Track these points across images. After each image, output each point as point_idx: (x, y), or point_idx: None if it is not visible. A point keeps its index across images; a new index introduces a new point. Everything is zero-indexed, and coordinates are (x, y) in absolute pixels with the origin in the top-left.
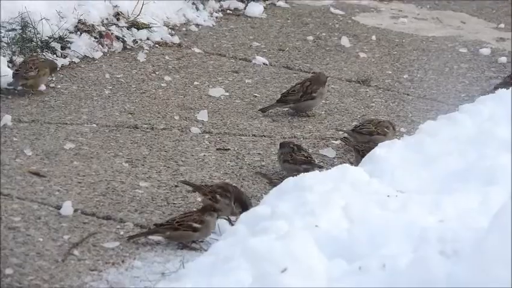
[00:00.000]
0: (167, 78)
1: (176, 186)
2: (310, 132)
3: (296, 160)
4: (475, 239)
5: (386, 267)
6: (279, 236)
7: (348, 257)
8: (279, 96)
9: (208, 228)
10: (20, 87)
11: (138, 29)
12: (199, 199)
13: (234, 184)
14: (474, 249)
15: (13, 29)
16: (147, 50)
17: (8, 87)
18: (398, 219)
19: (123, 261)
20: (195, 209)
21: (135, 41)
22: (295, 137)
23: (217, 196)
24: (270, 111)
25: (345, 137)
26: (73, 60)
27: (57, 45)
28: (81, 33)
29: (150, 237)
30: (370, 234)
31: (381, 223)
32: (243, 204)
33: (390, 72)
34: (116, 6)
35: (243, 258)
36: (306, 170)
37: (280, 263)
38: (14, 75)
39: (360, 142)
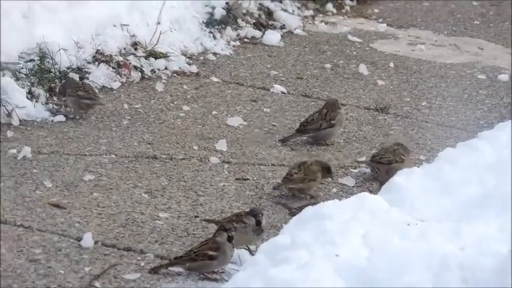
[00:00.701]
0: (185, 108)
1: (196, 216)
2: (329, 161)
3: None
4: (495, 265)
5: None
6: (299, 266)
7: (368, 286)
8: (298, 125)
9: (225, 254)
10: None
11: (155, 58)
12: None
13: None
14: (494, 275)
15: (31, 60)
16: (165, 79)
17: (27, 119)
18: (418, 247)
19: None
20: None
21: (153, 71)
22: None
23: (234, 224)
24: (290, 141)
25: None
26: None
27: (75, 76)
28: (99, 64)
29: (171, 268)
30: (390, 262)
31: (401, 251)
32: (251, 212)
33: (408, 99)
34: (133, 35)
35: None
36: None
37: None
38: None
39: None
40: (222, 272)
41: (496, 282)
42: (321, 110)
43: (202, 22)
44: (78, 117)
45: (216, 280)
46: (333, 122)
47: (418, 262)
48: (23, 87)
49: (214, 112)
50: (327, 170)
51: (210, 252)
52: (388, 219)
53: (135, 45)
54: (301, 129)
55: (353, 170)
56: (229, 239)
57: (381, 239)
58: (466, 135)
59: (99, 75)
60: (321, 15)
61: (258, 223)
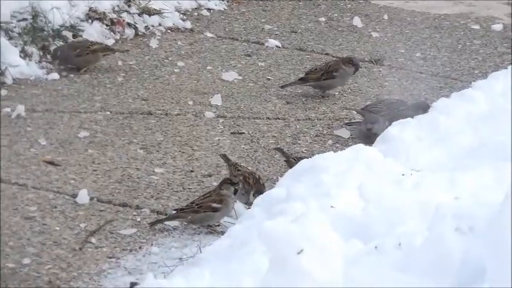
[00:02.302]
0: (180, 63)
1: (192, 171)
2: (324, 114)
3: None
4: (490, 214)
5: (402, 246)
6: (294, 218)
7: (363, 237)
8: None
9: (228, 206)
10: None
11: (149, 15)
12: (214, 183)
13: (258, 174)
14: (489, 224)
15: (24, 19)
16: (159, 36)
17: (21, 78)
18: (413, 197)
19: (140, 248)
20: (211, 190)
21: (147, 28)
22: (309, 118)
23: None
24: (288, 87)
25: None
26: None
27: (68, 34)
28: (92, 21)
29: (167, 222)
30: (385, 213)
31: (396, 202)
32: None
33: (403, 51)
34: None
35: (259, 241)
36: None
37: (296, 244)
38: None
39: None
40: (218, 225)
41: (491, 231)
42: (328, 62)
43: None
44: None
45: (212, 233)
46: (335, 73)
47: (412, 212)
48: (16, 46)
49: (208, 67)
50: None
51: (214, 205)
52: (383, 170)
53: (128, 2)
54: (303, 77)
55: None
56: (235, 192)
57: (376, 190)
58: (460, 85)
59: (93, 33)
60: None
61: (235, 192)
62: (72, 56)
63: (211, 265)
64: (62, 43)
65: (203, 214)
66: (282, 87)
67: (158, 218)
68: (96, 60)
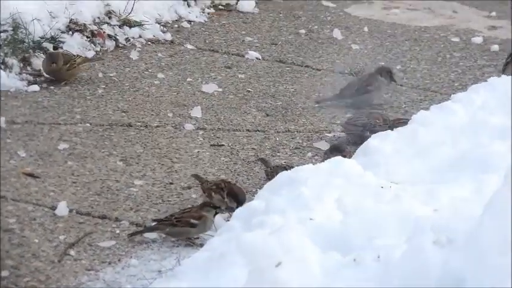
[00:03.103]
0: (160, 75)
1: (171, 183)
2: (303, 126)
3: None
4: (469, 227)
5: (381, 258)
6: (273, 230)
7: (342, 249)
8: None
9: (206, 224)
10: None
11: (130, 27)
12: (193, 196)
13: (229, 180)
14: (468, 237)
15: (4, 31)
16: (139, 47)
17: (1, 89)
18: (392, 210)
19: (119, 260)
20: (192, 206)
21: (127, 39)
22: (289, 130)
23: (212, 193)
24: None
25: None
26: None
27: (49, 46)
28: (73, 33)
29: (146, 234)
30: (364, 225)
31: (375, 214)
32: (235, 197)
33: (383, 63)
34: (107, 4)
35: (238, 253)
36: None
37: (274, 257)
38: None
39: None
40: (197, 238)
41: (470, 243)
42: (361, 77)
43: None
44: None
45: (191, 246)
46: (369, 87)
47: (391, 224)
48: None
49: (189, 79)
50: None
51: (192, 220)
52: (362, 183)
53: (109, 14)
54: (338, 94)
55: (328, 134)
56: (215, 215)
57: (355, 203)
58: (440, 97)
59: (73, 44)
60: None
61: (239, 204)
62: (64, 69)
63: (190, 278)
64: (42, 55)
65: (181, 228)
66: (318, 102)
67: (137, 230)
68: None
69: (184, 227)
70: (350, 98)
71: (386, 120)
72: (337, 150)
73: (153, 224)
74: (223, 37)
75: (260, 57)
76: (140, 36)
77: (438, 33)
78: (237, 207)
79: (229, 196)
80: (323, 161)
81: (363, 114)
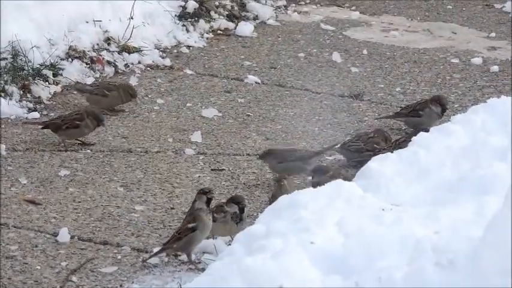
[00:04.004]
0: (160, 101)
1: (172, 208)
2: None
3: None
4: (470, 248)
5: (382, 281)
6: (274, 254)
7: (343, 273)
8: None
9: (203, 220)
10: None
11: (129, 53)
12: None
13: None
14: (469, 258)
15: (4, 58)
16: (138, 73)
17: (1, 117)
18: (393, 232)
19: (121, 286)
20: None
21: (126, 65)
22: None
23: (215, 215)
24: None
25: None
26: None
27: (48, 73)
28: (72, 60)
29: (148, 260)
30: (365, 248)
31: (376, 237)
32: (233, 200)
33: (382, 85)
34: (106, 31)
35: (239, 277)
36: None
37: (275, 280)
38: None
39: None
40: (199, 263)
41: (471, 265)
42: (420, 100)
43: (175, 15)
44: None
45: (192, 270)
46: (420, 112)
47: (393, 247)
48: None
49: (188, 104)
50: None
51: (190, 225)
52: (363, 205)
53: (108, 40)
54: (397, 112)
55: (328, 158)
56: (208, 201)
57: (356, 225)
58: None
59: (73, 71)
60: (294, 4)
61: (241, 210)
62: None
63: None
64: (42, 82)
65: (185, 238)
66: (377, 119)
67: (138, 255)
68: None
69: (187, 235)
70: (404, 117)
71: (388, 142)
72: (320, 171)
73: (162, 247)
74: (223, 62)
75: (259, 81)
76: (139, 62)
77: (437, 54)
78: (240, 209)
79: (229, 203)
80: (313, 182)
81: (360, 138)
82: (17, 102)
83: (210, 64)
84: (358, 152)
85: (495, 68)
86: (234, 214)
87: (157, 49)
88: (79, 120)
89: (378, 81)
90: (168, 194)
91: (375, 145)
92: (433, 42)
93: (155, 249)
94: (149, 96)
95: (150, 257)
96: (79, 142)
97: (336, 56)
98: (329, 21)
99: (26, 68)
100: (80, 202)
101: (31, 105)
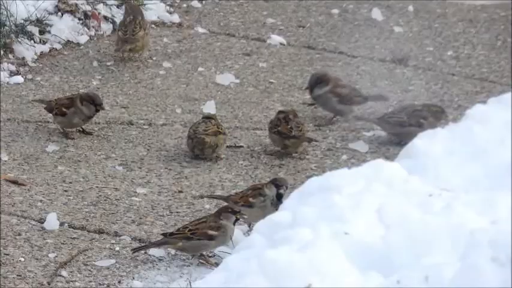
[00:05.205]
0: (166, 64)
1: (180, 191)
2: (337, 123)
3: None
4: None
5: (429, 280)
6: (301, 247)
7: (383, 270)
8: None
9: (226, 235)
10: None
11: None
12: (206, 206)
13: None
14: None
15: None
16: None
17: None
18: (442, 222)
19: (119, 282)
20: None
21: None
22: (319, 129)
23: (250, 199)
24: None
25: None
26: (54, 46)
27: (34, 29)
28: (62, 14)
29: (152, 252)
30: (409, 241)
31: (422, 228)
32: (273, 182)
33: (431, 48)
34: None
35: (260, 274)
36: None
37: (303, 278)
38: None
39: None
40: (212, 256)
41: None
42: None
43: None
44: None
45: (204, 265)
46: (421, 121)
47: (442, 239)
48: None
49: (200, 69)
50: None
51: (211, 232)
52: (407, 190)
53: None
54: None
55: (366, 134)
56: (235, 222)
57: (399, 214)
58: (499, 88)
59: (63, 28)
60: None
61: (280, 196)
62: None
63: None
64: (26, 40)
65: (196, 242)
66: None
67: (145, 244)
68: None
69: (201, 240)
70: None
71: (441, 115)
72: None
73: (162, 238)
74: (241, 18)
75: (285, 43)
76: None
77: (497, 12)
78: (279, 192)
79: (268, 185)
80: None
81: (403, 110)
82: None
83: (226, 21)
84: (400, 126)
85: None
86: (274, 198)
87: (164, 3)
88: (67, 106)
89: (426, 44)
90: (175, 174)
91: (422, 120)
92: None
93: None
94: (154, 58)
95: (142, 248)
96: (80, 131)
97: (376, 13)
98: None
99: (8, 23)
100: (71, 183)
101: (13, 67)
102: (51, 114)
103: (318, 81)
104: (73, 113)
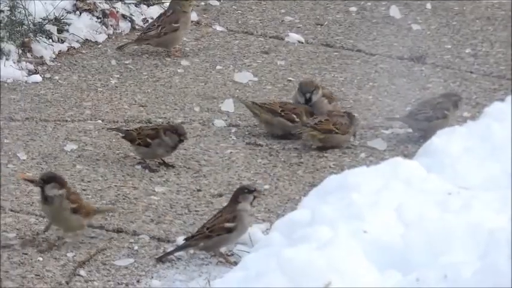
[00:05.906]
0: (184, 62)
1: (199, 190)
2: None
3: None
4: None
5: (448, 278)
6: (320, 245)
7: (402, 268)
8: None
9: (243, 222)
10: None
11: (148, 5)
12: (225, 204)
13: None
14: None
15: (0, 11)
16: None
17: None
18: (461, 221)
19: (138, 282)
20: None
21: (144, 20)
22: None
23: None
24: None
25: None
26: (72, 45)
27: (52, 28)
28: (80, 13)
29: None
30: (428, 240)
31: (441, 226)
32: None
33: (449, 46)
34: None
35: (278, 272)
36: None
37: (322, 277)
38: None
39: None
40: (230, 255)
41: None
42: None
43: None
44: None
45: (223, 263)
46: (445, 112)
47: (461, 238)
48: None
49: (218, 67)
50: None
51: (227, 224)
52: (426, 189)
53: None
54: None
55: (384, 131)
56: (252, 201)
57: (417, 212)
58: None
59: (81, 27)
60: None
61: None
62: None
63: None
64: (45, 39)
65: (216, 238)
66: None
67: (159, 245)
68: None
69: (220, 235)
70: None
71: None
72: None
73: (183, 242)
74: (259, 16)
75: (303, 40)
76: None
77: None
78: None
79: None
80: None
81: (427, 105)
82: (14, 63)
83: (244, 19)
84: (428, 121)
85: None
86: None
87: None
88: (152, 137)
89: (444, 41)
90: (193, 173)
91: (445, 111)
92: None
93: (169, 249)
94: (171, 57)
95: (167, 255)
96: (159, 162)
97: (394, 11)
98: None
99: (26, 22)
100: (89, 182)
101: (31, 66)
102: (128, 143)
103: (312, 89)
104: (157, 144)
